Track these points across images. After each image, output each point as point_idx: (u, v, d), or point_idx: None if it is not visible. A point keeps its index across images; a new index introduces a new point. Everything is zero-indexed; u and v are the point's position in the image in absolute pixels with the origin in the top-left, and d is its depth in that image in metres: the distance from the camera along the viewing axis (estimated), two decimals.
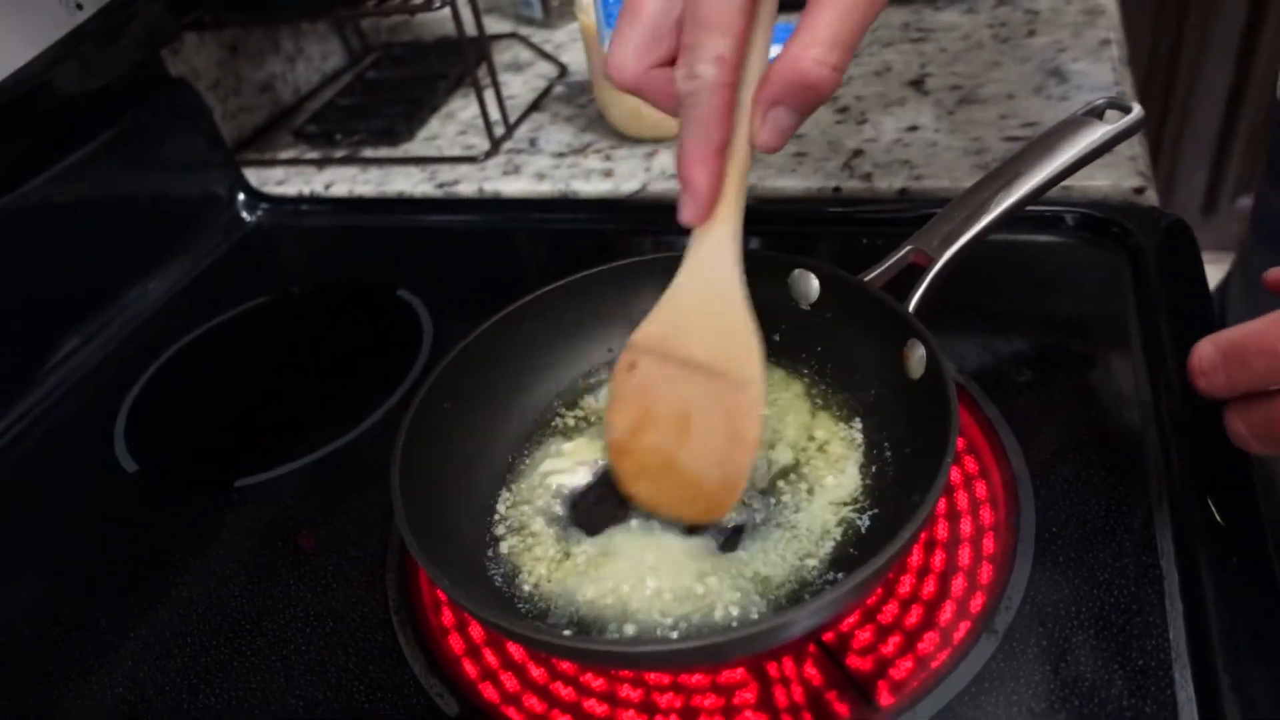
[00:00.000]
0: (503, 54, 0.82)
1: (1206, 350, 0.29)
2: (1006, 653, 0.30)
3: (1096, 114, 0.41)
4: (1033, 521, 0.34)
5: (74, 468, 0.47)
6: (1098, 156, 0.41)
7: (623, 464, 0.35)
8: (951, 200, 0.41)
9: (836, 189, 0.53)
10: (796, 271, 0.41)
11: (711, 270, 0.33)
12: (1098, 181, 0.49)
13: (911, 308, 0.38)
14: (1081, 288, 0.45)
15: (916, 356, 0.36)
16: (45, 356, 0.51)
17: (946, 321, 0.42)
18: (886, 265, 0.40)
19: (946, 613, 0.32)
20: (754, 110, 0.30)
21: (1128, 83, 0.58)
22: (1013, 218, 0.40)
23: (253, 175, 0.68)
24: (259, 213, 0.65)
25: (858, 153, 0.56)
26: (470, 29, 0.64)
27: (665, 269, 0.35)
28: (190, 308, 0.56)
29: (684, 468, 0.33)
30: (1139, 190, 0.48)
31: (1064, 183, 0.47)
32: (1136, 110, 0.40)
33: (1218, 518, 0.32)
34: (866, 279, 0.40)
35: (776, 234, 0.54)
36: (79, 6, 0.52)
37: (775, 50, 0.62)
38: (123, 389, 0.50)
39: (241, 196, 0.65)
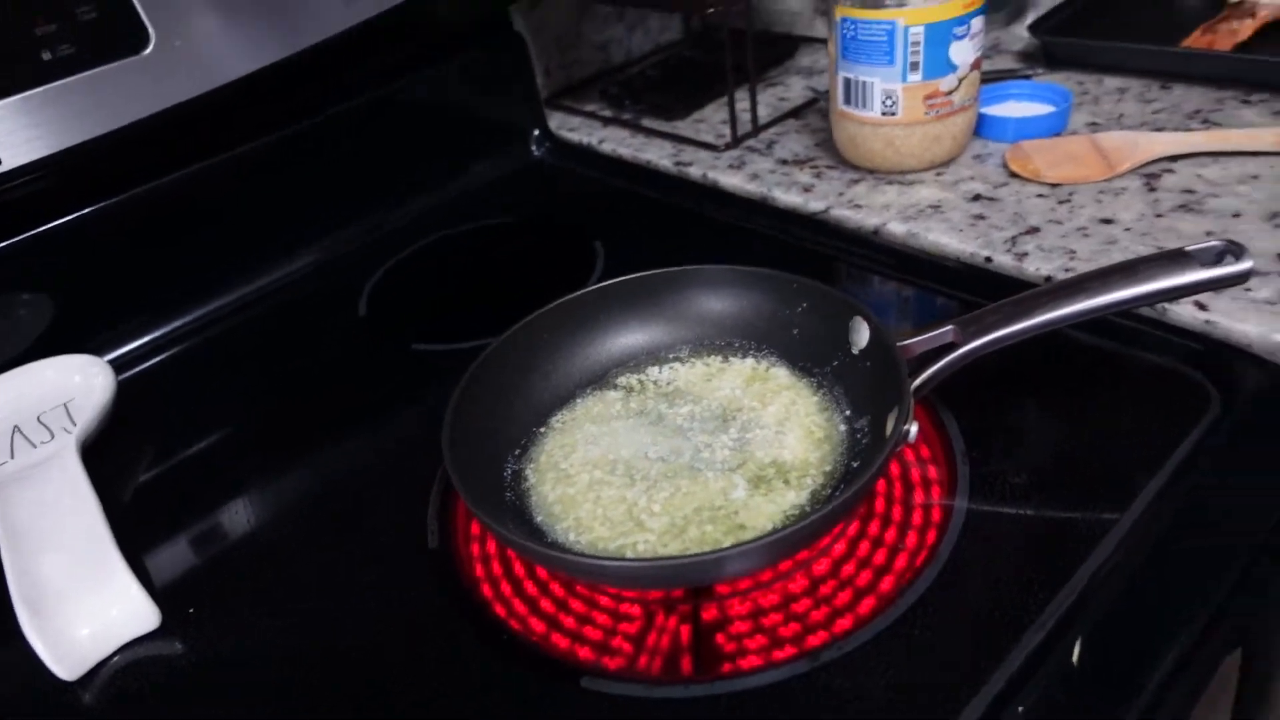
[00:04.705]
0: (807, 55, 0.88)
1: None
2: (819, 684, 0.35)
3: (1210, 256, 0.40)
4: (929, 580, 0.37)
5: (329, 298, 0.65)
6: (1189, 296, 0.40)
7: None
8: (1019, 295, 0.42)
9: (988, 259, 0.55)
10: (856, 319, 0.45)
11: None
12: (1248, 325, 0.45)
13: (922, 379, 0.41)
14: (1155, 414, 0.44)
15: (892, 420, 0.40)
16: (347, 216, 0.70)
17: (1003, 396, 0.45)
18: (927, 337, 0.43)
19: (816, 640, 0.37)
20: None
21: None
22: (1125, 328, 0.42)
23: (557, 119, 0.83)
24: (543, 150, 0.79)
25: (1034, 230, 0.56)
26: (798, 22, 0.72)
27: (762, 284, 0.49)
28: (460, 210, 0.73)
29: None
30: None
31: (1209, 314, 0.46)
32: (1244, 264, 0.39)
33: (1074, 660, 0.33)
34: (907, 343, 0.43)
35: (926, 289, 0.56)
36: None
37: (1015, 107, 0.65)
38: (386, 257, 0.68)
39: (536, 133, 0.80)
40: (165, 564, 0.46)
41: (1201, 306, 0.47)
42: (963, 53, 0.60)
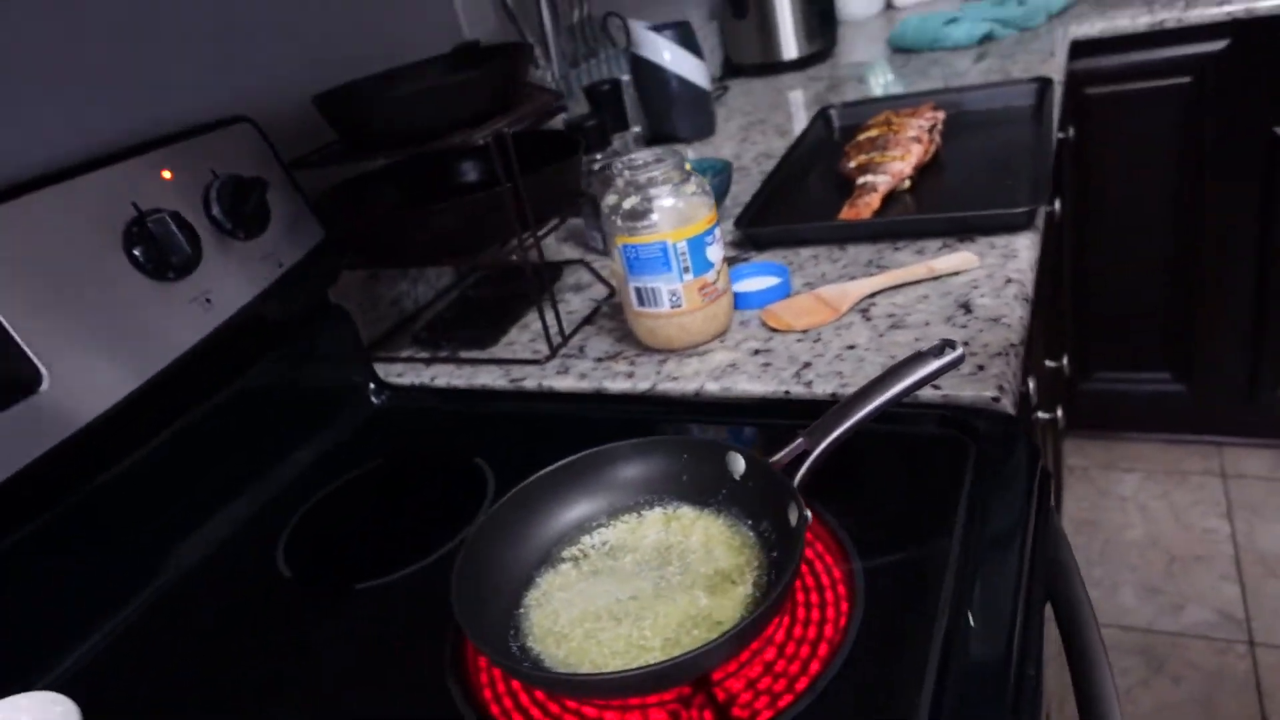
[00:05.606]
0: (569, 276, 1.07)
1: None
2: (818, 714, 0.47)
3: (936, 351, 0.61)
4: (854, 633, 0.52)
5: (247, 571, 0.69)
6: (932, 381, 0.60)
7: None
8: (834, 407, 0.60)
9: (786, 392, 0.74)
10: (730, 454, 0.61)
11: None
12: (968, 392, 0.68)
13: (796, 480, 0.57)
14: (938, 466, 0.63)
15: (792, 513, 0.55)
16: (236, 495, 0.75)
17: (844, 485, 0.61)
18: (787, 450, 0.59)
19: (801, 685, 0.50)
20: None
21: (1017, 314, 0.77)
22: (898, 414, 0.61)
23: (381, 369, 0.93)
24: (383, 398, 0.89)
25: (807, 364, 0.76)
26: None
27: (647, 450, 0.61)
28: (335, 465, 0.80)
29: None
30: (995, 399, 0.67)
31: (945, 391, 0.66)
32: (957, 352, 0.60)
33: (971, 621, 0.49)
34: (773, 459, 0.59)
35: (748, 424, 0.74)
36: (280, 265, 0.79)
37: (751, 283, 0.84)
38: (287, 518, 0.73)
39: (372, 385, 0.90)
40: None
41: (936, 387, 0.68)
42: (715, 253, 0.81)
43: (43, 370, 0.61)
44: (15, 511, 0.61)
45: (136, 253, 0.68)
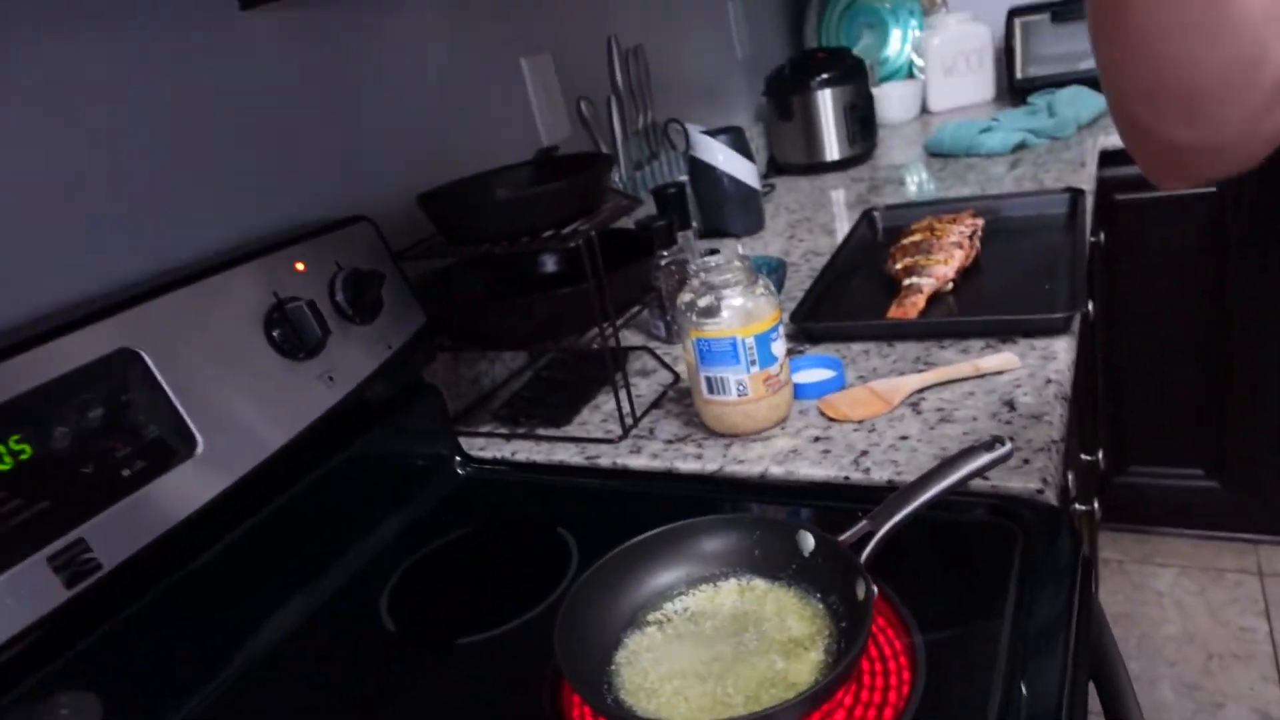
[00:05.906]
0: (635, 362, 1.15)
1: None
2: None
3: (987, 445, 0.68)
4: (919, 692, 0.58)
5: (354, 625, 0.76)
6: (983, 472, 0.67)
7: None
8: (895, 493, 0.67)
9: (846, 478, 0.81)
10: (800, 532, 0.68)
11: None
12: (1015, 483, 0.74)
13: (862, 558, 0.64)
14: (988, 552, 0.69)
15: (859, 588, 0.61)
16: (339, 556, 0.83)
17: (902, 566, 0.68)
18: (852, 531, 0.66)
19: None
20: None
21: (1057, 412, 0.84)
22: (950, 502, 0.68)
23: (464, 442, 1.02)
24: (468, 469, 0.97)
25: (864, 452, 0.83)
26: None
27: (723, 526, 0.66)
28: (427, 531, 0.87)
29: None
30: (1039, 491, 0.73)
31: (993, 482, 0.73)
32: (1006, 448, 0.67)
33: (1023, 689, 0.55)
34: (841, 538, 0.66)
35: (809, 505, 0.81)
36: (389, 347, 0.88)
37: (808, 374, 0.91)
38: (385, 578, 0.80)
39: (457, 458, 0.98)
40: None
41: (985, 478, 0.75)
42: (778, 347, 0.89)
43: (198, 437, 0.70)
44: (166, 563, 0.69)
45: (275, 334, 0.78)
